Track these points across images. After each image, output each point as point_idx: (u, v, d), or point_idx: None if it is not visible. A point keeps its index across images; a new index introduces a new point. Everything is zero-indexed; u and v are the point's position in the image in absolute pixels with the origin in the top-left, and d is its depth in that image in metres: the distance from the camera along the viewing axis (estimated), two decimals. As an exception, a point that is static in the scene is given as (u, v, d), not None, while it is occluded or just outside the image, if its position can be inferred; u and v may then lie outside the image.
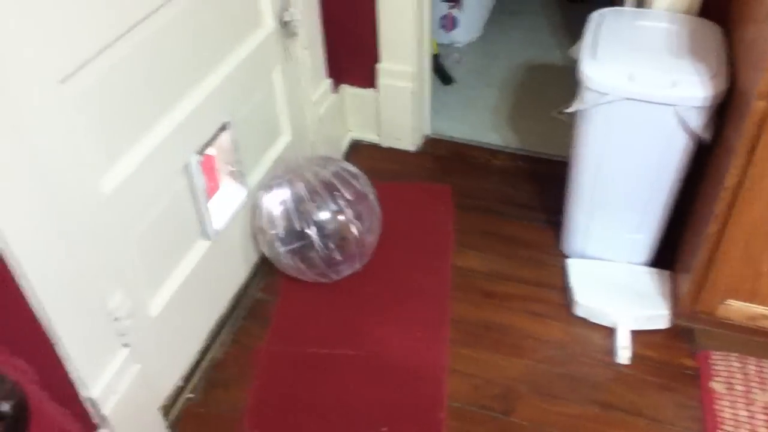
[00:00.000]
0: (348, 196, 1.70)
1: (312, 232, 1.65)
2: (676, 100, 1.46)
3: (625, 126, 1.54)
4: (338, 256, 1.70)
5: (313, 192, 1.67)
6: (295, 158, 1.83)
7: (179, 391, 1.56)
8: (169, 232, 1.47)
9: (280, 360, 1.66)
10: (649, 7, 1.72)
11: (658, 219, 1.72)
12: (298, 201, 1.67)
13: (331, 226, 1.67)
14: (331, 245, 1.67)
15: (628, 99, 1.49)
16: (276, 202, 1.69)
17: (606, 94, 1.49)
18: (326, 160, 1.80)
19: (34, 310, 1.08)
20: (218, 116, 1.55)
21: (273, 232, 1.68)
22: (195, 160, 1.48)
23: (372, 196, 1.78)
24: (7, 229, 0.99)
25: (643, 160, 1.60)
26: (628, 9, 1.72)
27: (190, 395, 1.58)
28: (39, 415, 0.87)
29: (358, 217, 1.70)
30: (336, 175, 1.73)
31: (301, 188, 1.68)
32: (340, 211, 1.68)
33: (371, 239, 1.78)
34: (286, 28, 1.76)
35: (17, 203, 1.00)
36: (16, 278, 1.04)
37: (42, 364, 1.00)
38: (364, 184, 1.77)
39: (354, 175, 1.76)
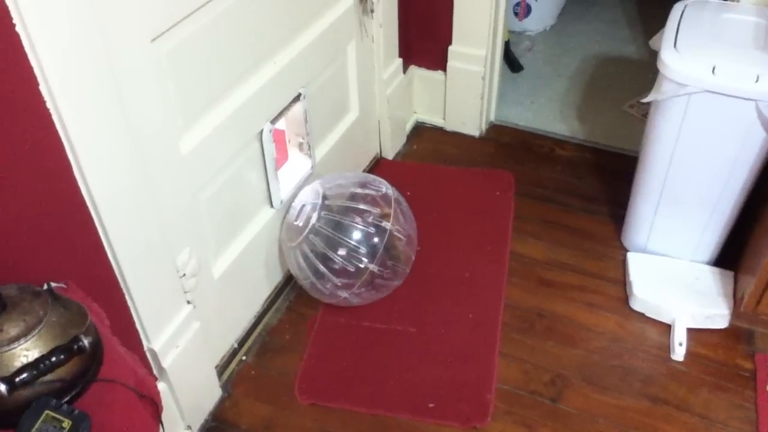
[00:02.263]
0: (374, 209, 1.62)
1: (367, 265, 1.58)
2: (758, 95, 1.41)
3: (702, 119, 1.51)
4: (402, 268, 1.68)
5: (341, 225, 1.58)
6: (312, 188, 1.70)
7: (234, 353, 1.60)
8: (237, 198, 1.51)
9: (333, 330, 1.69)
10: (737, 0, 1.67)
11: (726, 217, 1.67)
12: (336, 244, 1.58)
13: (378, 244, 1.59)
14: (390, 262, 1.63)
15: (708, 91, 1.45)
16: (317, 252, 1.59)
17: (686, 85, 1.46)
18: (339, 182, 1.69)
19: (110, 259, 1.13)
20: (293, 87, 1.58)
21: (336, 292, 1.63)
22: (268, 128, 1.51)
23: (401, 198, 1.71)
24: (92, 180, 1.03)
25: (718, 155, 1.56)
26: (713, 1, 1.68)
27: (244, 357, 1.62)
28: (112, 354, 0.91)
29: (395, 220, 1.63)
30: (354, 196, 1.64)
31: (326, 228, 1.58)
32: (379, 225, 1.60)
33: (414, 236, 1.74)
34: (364, 4, 1.77)
35: (103, 155, 1.05)
36: (98, 227, 1.08)
37: (111, 311, 1.04)
38: (388, 187, 1.69)
39: (375, 183, 1.69)
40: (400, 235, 1.65)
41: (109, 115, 1.04)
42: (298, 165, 1.74)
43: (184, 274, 1.33)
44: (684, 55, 1.48)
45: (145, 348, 1.27)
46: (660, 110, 1.56)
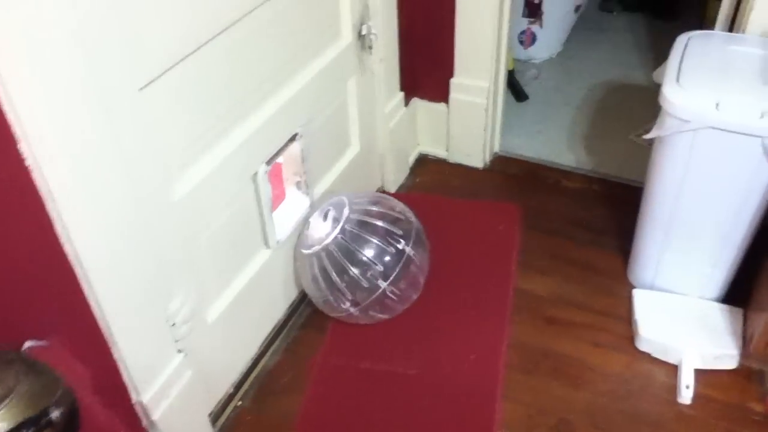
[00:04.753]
0: (395, 229, 1.65)
1: (381, 283, 1.61)
2: (764, 131, 1.37)
3: (707, 155, 1.46)
4: (411, 293, 1.70)
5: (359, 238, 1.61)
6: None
7: (230, 398, 1.57)
8: (233, 240, 1.48)
9: (334, 372, 1.65)
10: (742, 32, 1.63)
11: (735, 254, 1.62)
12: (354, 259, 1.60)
13: (391, 264, 1.62)
14: (402, 285, 1.65)
15: (712, 128, 1.41)
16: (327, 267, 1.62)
17: (688, 121, 1.42)
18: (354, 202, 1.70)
19: (96, 312, 1.10)
20: (290, 127, 1.56)
21: (344, 306, 1.64)
22: (263, 170, 1.49)
23: (413, 217, 1.73)
24: (75, 233, 1.01)
25: (724, 191, 1.51)
26: (718, 33, 1.64)
27: (240, 402, 1.59)
28: (90, 420, 0.89)
29: (414, 245, 1.66)
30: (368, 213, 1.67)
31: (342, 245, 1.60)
32: (394, 246, 1.63)
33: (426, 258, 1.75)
34: (362, 40, 1.75)
35: (88, 207, 1.03)
36: (82, 281, 1.06)
37: (97, 367, 1.02)
38: (411, 213, 1.74)
39: (398, 206, 1.73)
40: (416, 261, 1.66)
41: (93, 166, 1.02)
42: (295, 203, 1.72)
43: (174, 324, 1.30)
44: (687, 90, 1.44)
45: (134, 401, 1.24)
46: (664, 146, 1.52)
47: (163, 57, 1.14)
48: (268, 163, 1.51)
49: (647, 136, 1.51)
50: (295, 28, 1.49)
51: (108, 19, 1.00)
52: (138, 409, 1.25)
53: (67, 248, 1.02)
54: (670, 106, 1.44)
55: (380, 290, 1.61)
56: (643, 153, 1.65)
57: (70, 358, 0.97)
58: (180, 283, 1.32)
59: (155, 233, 1.21)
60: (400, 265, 1.62)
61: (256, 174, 1.48)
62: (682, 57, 1.54)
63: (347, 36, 1.70)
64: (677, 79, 1.47)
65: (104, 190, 1.05)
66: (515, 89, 2.55)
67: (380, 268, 1.61)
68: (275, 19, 1.41)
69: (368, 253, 1.60)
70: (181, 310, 1.33)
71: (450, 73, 2.11)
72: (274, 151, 1.53)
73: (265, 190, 1.52)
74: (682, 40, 1.61)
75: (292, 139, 1.59)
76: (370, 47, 1.79)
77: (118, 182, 1.07)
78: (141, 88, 1.10)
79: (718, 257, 1.63)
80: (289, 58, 1.51)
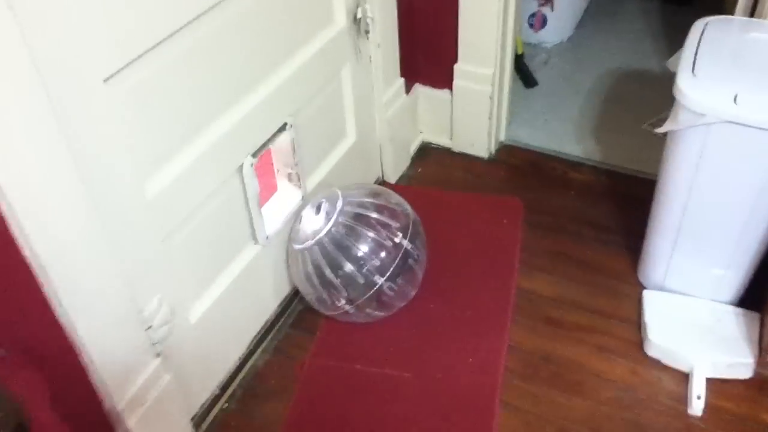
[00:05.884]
0: (393, 221, 1.57)
1: (378, 278, 1.53)
2: (785, 128, 1.27)
3: (723, 151, 1.37)
4: (409, 289, 1.62)
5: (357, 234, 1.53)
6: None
7: (215, 401, 1.50)
8: (217, 236, 1.41)
9: (323, 374, 1.58)
10: (765, 17, 1.52)
11: (751, 255, 1.53)
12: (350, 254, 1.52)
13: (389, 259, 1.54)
14: (400, 281, 1.57)
15: (729, 122, 1.31)
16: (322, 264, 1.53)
17: (704, 115, 1.32)
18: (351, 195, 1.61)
19: (60, 318, 1.03)
20: (278, 117, 1.47)
21: (339, 303, 1.56)
22: (249, 163, 1.41)
23: (411, 211, 1.66)
24: (34, 234, 0.94)
25: (741, 189, 1.41)
26: (737, 19, 1.53)
27: (226, 405, 1.52)
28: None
29: (411, 238, 1.58)
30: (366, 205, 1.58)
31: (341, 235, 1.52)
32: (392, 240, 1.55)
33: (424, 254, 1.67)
34: (358, 24, 1.66)
35: (47, 206, 0.95)
36: (44, 285, 0.99)
37: (65, 375, 0.95)
38: (407, 205, 1.66)
39: (394, 198, 1.65)
40: (414, 255, 1.58)
41: (59, 160, 0.94)
42: (287, 196, 1.64)
43: (151, 326, 1.23)
44: (703, 82, 1.34)
45: (108, 408, 1.17)
46: (677, 140, 1.42)
47: (131, 45, 1.05)
48: (255, 155, 1.43)
49: (659, 130, 1.42)
50: (283, 11, 1.40)
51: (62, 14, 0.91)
52: (111, 416, 1.18)
53: (24, 249, 0.94)
54: (684, 99, 1.34)
55: (377, 286, 1.53)
56: (655, 144, 1.55)
57: (20, 368, 0.90)
58: (157, 283, 1.25)
59: (126, 233, 1.14)
60: (398, 259, 1.55)
61: (241, 167, 1.40)
62: (698, 45, 1.43)
63: (341, 20, 1.61)
64: (692, 70, 1.37)
65: (63, 188, 0.97)
66: (524, 74, 2.44)
67: (377, 262, 1.53)
68: (260, 3, 1.32)
69: (364, 247, 1.52)
70: (159, 311, 1.25)
71: (453, 59, 2.01)
72: (262, 143, 1.44)
73: (252, 183, 1.44)
74: (698, 26, 1.50)
75: (282, 129, 1.50)
76: (367, 32, 1.69)
77: (77, 180, 0.99)
78: (105, 80, 1.02)
79: (733, 258, 1.54)
80: (276, 44, 1.42)
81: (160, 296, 1.25)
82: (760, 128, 1.29)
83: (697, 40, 1.45)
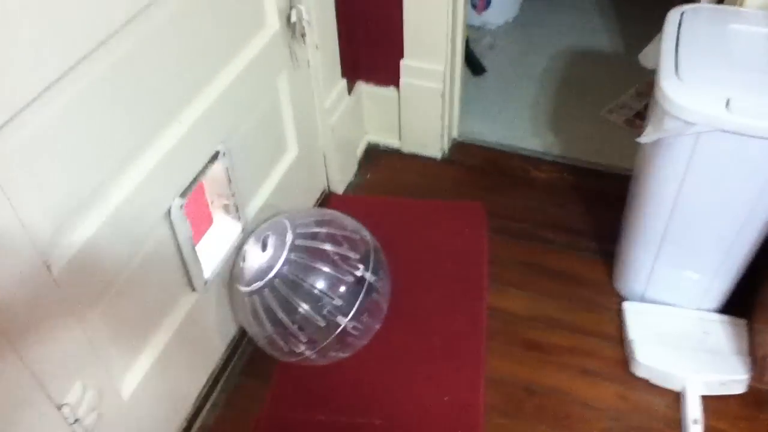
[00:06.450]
0: (350, 249, 1.40)
1: (341, 319, 1.36)
2: (784, 135, 1.14)
3: (714, 160, 1.23)
4: (375, 324, 1.46)
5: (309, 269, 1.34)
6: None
7: (160, 477, 1.31)
8: (146, 296, 1.19)
9: (283, 429, 1.40)
10: (739, 5, 1.39)
11: (740, 264, 1.42)
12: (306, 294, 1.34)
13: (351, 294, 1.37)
14: (365, 318, 1.40)
15: (721, 131, 1.17)
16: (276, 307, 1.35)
17: (693, 123, 1.18)
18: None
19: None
20: (208, 145, 1.26)
21: (299, 350, 1.38)
22: (178, 205, 1.19)
23: (368, 234, 1.49)
24: None
25: (732, 198, 1.29)
26: (715, 7, 1.39)
27: (174, 480, 1.33)
28: None
29: (374, 270, 1.41)
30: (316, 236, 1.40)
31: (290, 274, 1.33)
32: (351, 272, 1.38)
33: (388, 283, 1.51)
34: (292, 28, 1.44)
35: None
36: None
37: None
38: (365, 232, 1.48)
39: (350, 225, 1.47)
40: (377, 287, 1.41)
41: None
42: (224, 230, 1.43)
43: (77, 420, 1.02)
44: (690, 85, 1.19)
45: None
46: (662, 148, 1.28)
47: (15, 96, 0.82)
48: (184, 195, 1.21)
49: (643, 140, 1.27)
50: (204, 24, 1.18)
51: None
52: None
53: None
54: (671, 106, 1.19)
55: (341, 327, 1.36)
56: (616, 131, 1.43)
57: None
58: (77, 367, 1.03)
59: (28, 318, 0.92)
60: (362, 295, 1.37)
61: (169, 211, 1.18)
62: (677, 40, 1.29)
63: (273, 24, 1.39)
64: (676, 71, 1.22)
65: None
66: (471, 61, 2.27)
67: (338, 301, 1.35)
68: (175, 19, 1.09)
69: (321, 285, 1.34)
70: (83, 400, 1.04)
71: (399, 54, 1.82)
72: (191, 179, 1.23)
73: (183, 227, 1.22)
74: (674, 17, 1.35)
75: (214, 158, 1.28)
76: (303, 35, 1.48)
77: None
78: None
79: (721, 268, 1.42)
80: (199, 63, 1.19)
81: (82, 381, 1.04)
82: (752, 136, 1.16)
83: (675, 35, 1.30)
